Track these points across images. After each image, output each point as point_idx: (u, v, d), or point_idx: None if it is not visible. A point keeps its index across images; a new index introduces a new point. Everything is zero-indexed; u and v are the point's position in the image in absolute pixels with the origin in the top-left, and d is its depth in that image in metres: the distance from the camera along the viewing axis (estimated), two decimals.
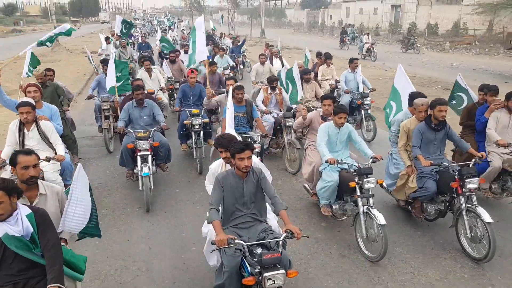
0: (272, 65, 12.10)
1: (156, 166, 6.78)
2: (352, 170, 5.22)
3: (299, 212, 6.19)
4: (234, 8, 57.79)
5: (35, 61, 8.30)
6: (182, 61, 11.89)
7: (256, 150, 6.35)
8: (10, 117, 9.57)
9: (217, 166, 4.66)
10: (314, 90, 9.23)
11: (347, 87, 9.49)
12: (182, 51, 13.67)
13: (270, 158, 8.33)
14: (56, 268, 3.10)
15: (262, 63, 11.36)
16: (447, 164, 5.21)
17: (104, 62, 9.54)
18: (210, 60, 10.86)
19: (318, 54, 12.12)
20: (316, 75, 10.79)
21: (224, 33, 23.28)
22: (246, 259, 3.55)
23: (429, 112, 5.41)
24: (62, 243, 3.46)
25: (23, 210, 3.18)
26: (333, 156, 5.47)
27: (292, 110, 8.33)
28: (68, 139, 7.25)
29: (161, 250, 5.21)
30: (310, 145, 6.33)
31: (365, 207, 4.99)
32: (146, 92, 8.09)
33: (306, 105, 8.45)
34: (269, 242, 3.70)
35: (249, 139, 6.73)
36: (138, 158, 6.28)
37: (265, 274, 3.26)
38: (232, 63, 14.46)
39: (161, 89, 9.76)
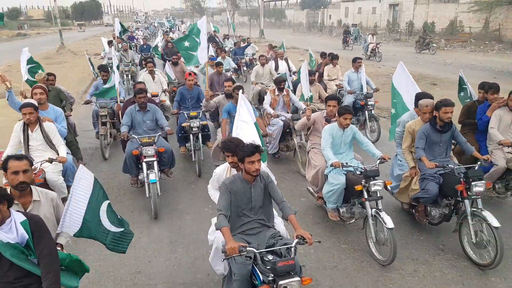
0: (278, 67, 11.90)
1: (160, 172, 6.55)
2: (358, 173, 5.07)
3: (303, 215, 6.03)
4: (233, 10, 57.60)
5: (36, 66, 8.13)
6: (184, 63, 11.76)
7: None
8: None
9: (222, 171, 4.46)
10: (318, 92, 9.06)
11: (350, 87, 9.29)
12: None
13: (280, 161, 8.20)
14: (51, 275, 3.00)
15: (263, 64, 11.20)
16: (452, 166, 5.00)
17: (102, 68, 9.34)
18: (216, 61, 10.73)
19: (323, 54, 11.89)
20: (321, 76, 10.62)
21: (228, 35, 22.97)
22: (258, 266, 3.39)
23: (434, 114, 5.23)
24: (58, 248, 3.36)
25: (17, 217, 3.07)
26: (338, 158, 5.34)
27: (301, 111, 8.14)
28: (72, 144, 7.16)
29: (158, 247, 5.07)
30: (313, 148, 6.16)
31: (374, 210, 4.83)
32: (150, 95, 7.97)
33: (311, 106, 8.30)
34: (280, 248, 3.53)
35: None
36: (144, 165, 6.08)
37: (281, 282, 3.13)
38: (234, 65, 14.28)
39: (164, 91, 9.62)
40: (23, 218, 3.08)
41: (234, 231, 3.80)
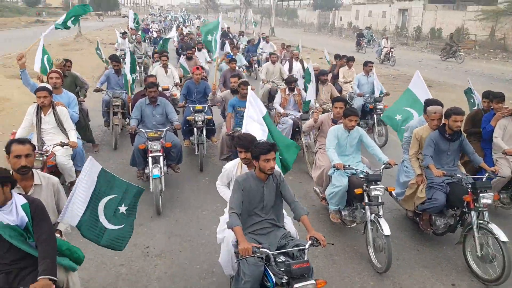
0: (292, 68, 11.64)
1: (167, 167, 6.35)
2: (361, 176, 4.89)
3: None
4: (246, 7, 57.27)
5: (49, 58, 7.91)
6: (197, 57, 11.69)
7: None
8: None
9: (232, 167, 4.24)
10: (329, 92, 8.87)
11: (360, 90, 9.10)
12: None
13: None
14: (48, 261, 2.93)
15: (273, 62, 10.96)
16: (460, 176, 4.79)
17: (113, 58, 9.16)
18: (231, 58, 10.56)
19: (337, 56, 11.62)
20: (336, 77, 10.38)
21: (243, 32, 22.63)
22: (270, 268, 3.22)
23: (443, 121, 5.03)
24: (57, 235, 3.30)
25: (19, 199, 3.02)
26: (344, 160, 5.16)
27: (311, 111, 7.96)
28: (84, 130, 7.17)
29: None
30: (320, 148, 6.02)
31: (373, 215, 4.64)
32: (160, 88, 7.81)
33: (323, 107, 8.14)
34: (292, 250, 3.38)
35: None
36: (150, 159, 5.90)
37: (296, 285, 2.97)
38: (245, 62, 14.09)
39: (175, 85, 9.45)
40: (24, 201, 3.03)
41: (244, 231, 3.56)
